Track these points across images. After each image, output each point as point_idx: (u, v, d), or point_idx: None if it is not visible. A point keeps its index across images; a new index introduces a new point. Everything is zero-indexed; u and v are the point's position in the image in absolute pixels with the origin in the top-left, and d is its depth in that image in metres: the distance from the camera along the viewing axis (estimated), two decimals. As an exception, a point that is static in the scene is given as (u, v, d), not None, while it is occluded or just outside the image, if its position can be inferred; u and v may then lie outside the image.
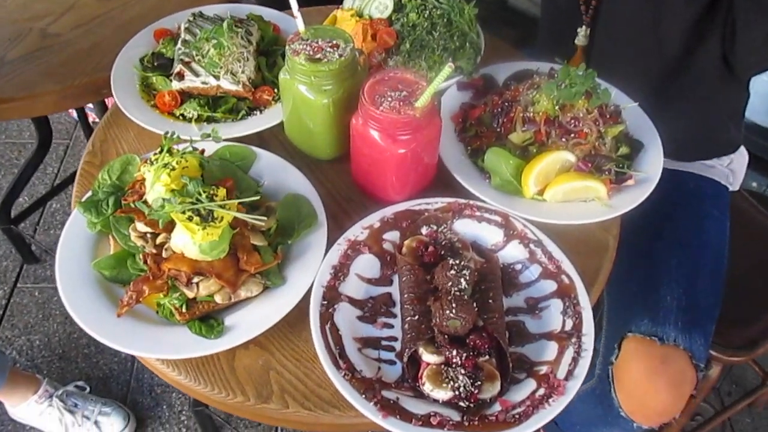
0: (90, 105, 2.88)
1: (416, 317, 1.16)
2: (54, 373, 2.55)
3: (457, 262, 1.18)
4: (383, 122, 1.20)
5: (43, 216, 3.08)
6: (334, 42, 1.30)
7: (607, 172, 1.38)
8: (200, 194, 1.13)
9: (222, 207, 1.14)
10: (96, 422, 2.35)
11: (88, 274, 1.23)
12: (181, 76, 1.50)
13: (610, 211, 1.34)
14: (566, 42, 1.70)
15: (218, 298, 1.17)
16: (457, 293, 1.14)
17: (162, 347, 1.14)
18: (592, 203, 1.37)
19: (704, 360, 1.56)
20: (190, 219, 1.11)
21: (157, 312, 1.20)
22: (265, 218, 1.19)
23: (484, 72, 1.60)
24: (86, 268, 1.23)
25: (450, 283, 1.16)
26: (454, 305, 1.11)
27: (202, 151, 1.34)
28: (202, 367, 1.17)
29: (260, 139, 1.50)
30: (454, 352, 1.10)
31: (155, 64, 1.59)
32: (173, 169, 1.15)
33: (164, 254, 1.17)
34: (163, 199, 1.12)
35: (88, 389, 2.45)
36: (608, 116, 1.44)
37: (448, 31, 1.53)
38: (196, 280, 1.16)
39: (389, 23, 1.56)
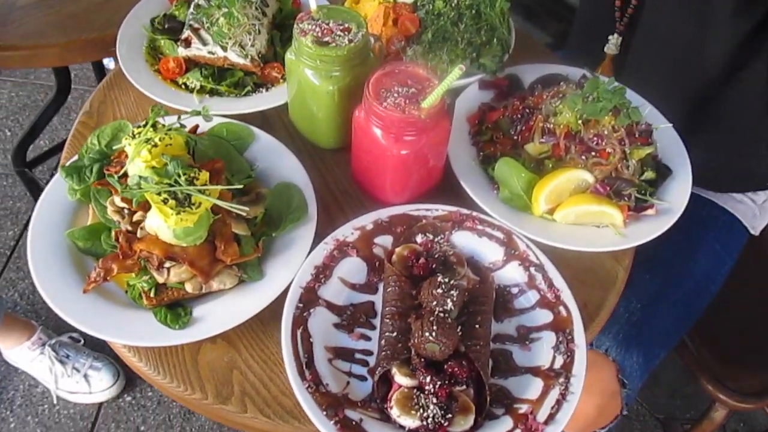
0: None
1: (395, 334, 1.08)
2: (51, 321, 2.54)
3: (446, 280, 1.09)
4: (386, 120, 1.11)
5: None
6: (346, 25, 1.20)
7: (626, 198, 1.27)
8: (179, 176, 1.05)
9: (201, 192, 1.06)
10: (85, 375, 2.34)
11: (61, 242, 1.17)
12: (188, 43, 1.42)
13: (624, 240, 1.24)
14: (596, 48, 1.57)
15: (189, 287, 1.11)
16: (441, 315, 1.05)
17: (124, 332, 1.08)
18: (606, 230, 1.26)
19: (637, 381, 1.49)
20: (165, 201, 1.04)
21: (127, 292, 1.14)
22: (247, 209, 1.12)
23: (510, 72, 1.49)
24: (60, 235, 1.18)
25: (435, 303, 1.07)
26: (434, 328, 1.03)
27: (195, 128, 1.27)
28: (164, 356, 1.11)
29: (263, 118, 1.42)
30: (429, 378, 1.02)
31: (166, 26, 1.51)
32: (155, 145, 1.08)
33: (139, 233, 1.11)
34: (140, 177, 1.06)
35: (82, 341, 2.44)
36: (637, 135, 1.33)
37: (476, 24, 1.42)
38: (167, 264, 1.10)
39: (414, 9, 1.45)
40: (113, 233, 1.12)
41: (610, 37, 1.57)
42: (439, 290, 1.08)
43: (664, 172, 1.34)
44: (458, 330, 1.06)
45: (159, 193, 1.04)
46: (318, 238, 1.21)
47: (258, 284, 1.15)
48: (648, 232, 1.25)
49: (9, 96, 3.39)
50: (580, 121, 1.25)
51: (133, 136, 1.10)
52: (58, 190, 1.23)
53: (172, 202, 1.04)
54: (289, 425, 1.05)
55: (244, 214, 1.12)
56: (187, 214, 1.04)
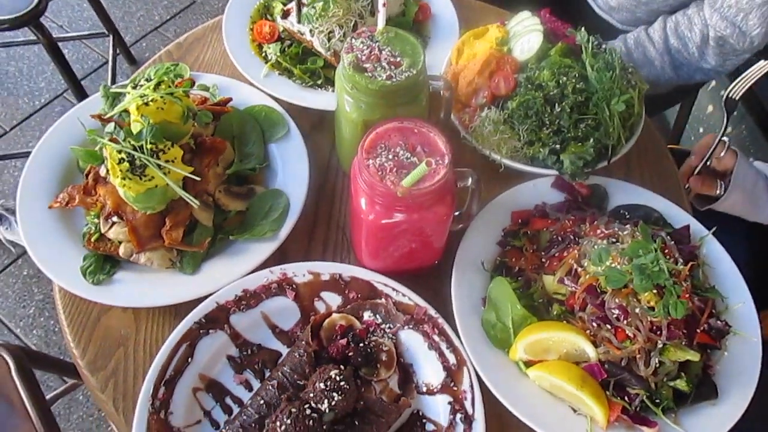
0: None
1: (262, 402, 0.96)
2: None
3: (339, 377, 0.93)
4: (366, 181, 0.95)
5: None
6: (399, 59, 1.05)
7: (627, 398, 0.98)
8: (146, 143, 1.01)
9: (159, 167, 1.01)
10: None
11: (67, 154, 1.21)
12: (286, 14, 1.37)
13: (593, 446, 0.96)
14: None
15: (121, 249, 1.08)
16: (306, 411, 0.90)
17: (51, 260, 1.08)
18: (581, 420, 0.99)
19: None
20: (120, 162, 1.01)
21: (85, 226, 1.15)
22: (197, 202, 1.05)
23: (598, 182, 1.21)
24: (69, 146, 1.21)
25: (312, 395, 0.93)
26: (287, 421, 0.89)
27: (227, 100, 1.22)
28: (80, 299, 1.10)
29: (320, 115, 1.32)
30: (255, 469, 0.90)
31: (292, -13, 1.46)
32: (146, 104, 1.04)
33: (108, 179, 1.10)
34: (115, 128, 1.04)
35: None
36: (700, 330, 1.01)
37: (577, 113, 1.16)
38: (114, 219, 1.08)
39: (518, 69, 1.23)
40: (88, 167, 1.12)
41: None
42: (322, 384, 0.93)
43: (705, 394, 1.00)
44: (321, 437, 0.91)
45: (120, 151, 1.01)
46: (277, 259, 1.11)
47: (187, 278, 1.09)
48: (630, 453, 0.96)
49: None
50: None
51: (135, 86, 1.08)
52: (94, 106, 1.26)
53: (125, 164, 1.00)
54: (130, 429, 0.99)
55: (195, 205, 1.05)
56: (133, 182, 1.00)
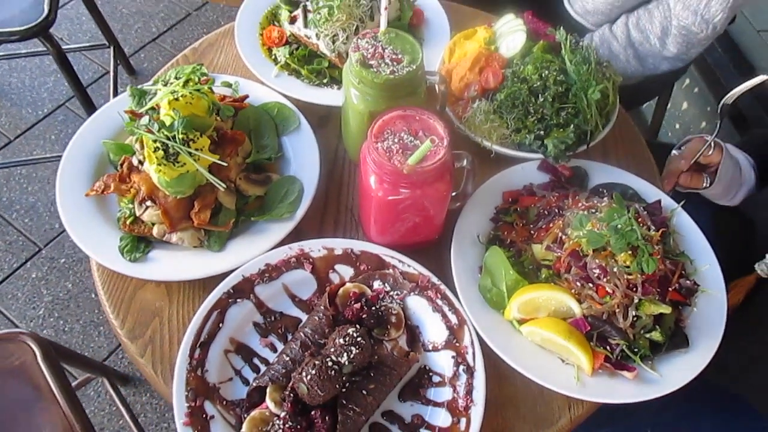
0: None
1: (288, 359, 1.08)
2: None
3: (355, 334, 1.06)
4: (376, 161, 1.08)
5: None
6: (400, 56, 1.18)
7: (607, 347, 1.11)
8: (179, 133, 1.14)
9: (189, 155, 1.14)
10: None
11: (99, 148, 1.33)
12: (293, 20, 1.50)
13: (579, 390, 1.09)
14: (740, 257, 1.31)
15: (155, 230, 1.20)
16: (328, 363, 1.03)
17: (90, 240, 1.20)
18: (569, 368, 1.12)
19: None
20: (155, 150, 1.13)
21: (119, 212, 1.27)
22: (224, 185, 1.17)
23: (579, 164, 1.35)
24: (100, 141, 1.33)
25: (333, 349, 1.05)
26: (312, 372, 1.01)
27: (244, 97, 1.34)
28: (116, 277, 1.22)
29: (329, 112, 1.45)
30: (285, 415, 1.02)
31: (295, -2, 1.59)
32: (176, 99, 1.17)
33: (142, 168, 1.22)
34: (149, 120, 1.16)
35: None
36: (672, 289, 1.15)
37: (559, 102, 1.30)
38: (148, 203, 1.20)
39: (505, 65, 1.37)
40: (122, 158, 1.24)
41: None
42: (341, 340, 1.05)
43: (677, 343, 1.14)
44: (341, 386, 1.04)
45: (155, 141, 1.13)
46: (294, 237, 1.23)
47: (214, 254, 1.21)
48: (612, 394, 1.09)
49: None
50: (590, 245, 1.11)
51: (165, 84, 1.20)
52: (121, 105, 1.38)
53: (160, 152, 1.13)
54: (168, 388, 1.11)
55: (221, 188, 1.18)
56: (167, 168, 1.13)
